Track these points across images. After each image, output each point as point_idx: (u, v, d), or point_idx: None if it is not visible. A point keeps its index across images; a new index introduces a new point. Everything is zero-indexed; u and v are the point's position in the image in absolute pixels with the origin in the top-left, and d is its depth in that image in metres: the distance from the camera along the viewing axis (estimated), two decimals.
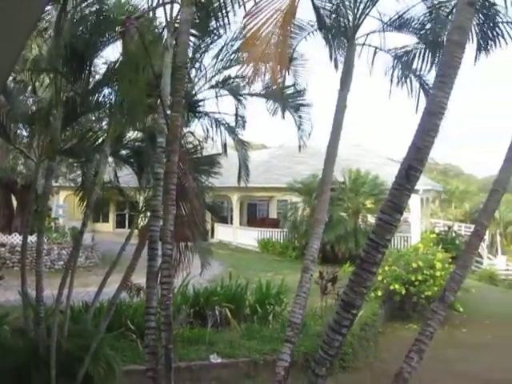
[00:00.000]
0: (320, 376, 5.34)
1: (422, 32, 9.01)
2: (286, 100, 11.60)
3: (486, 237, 43.62)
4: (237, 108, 12.54)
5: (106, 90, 9.98)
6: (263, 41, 5.37)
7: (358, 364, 12.97)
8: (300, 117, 11.90)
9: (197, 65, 11.04)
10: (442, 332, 16.66)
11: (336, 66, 9.39)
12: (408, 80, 9.61)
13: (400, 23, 8.99)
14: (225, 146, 13.17)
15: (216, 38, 10.34)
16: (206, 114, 12.29)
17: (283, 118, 11.86)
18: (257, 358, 11.66)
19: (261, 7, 5.54)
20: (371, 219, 27.39)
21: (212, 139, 12.72)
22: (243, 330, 13.13)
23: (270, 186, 31.68)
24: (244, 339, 12.57)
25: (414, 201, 29.55)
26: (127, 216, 37.83)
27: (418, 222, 30.10)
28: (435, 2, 8.75)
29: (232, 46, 10.95)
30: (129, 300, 13.07)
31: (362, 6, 8.67)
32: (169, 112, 7.32)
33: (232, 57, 11.22)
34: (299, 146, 12.33)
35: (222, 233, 35.33)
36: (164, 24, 8.39)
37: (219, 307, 13.37)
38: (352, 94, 8.68)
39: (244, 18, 5.67)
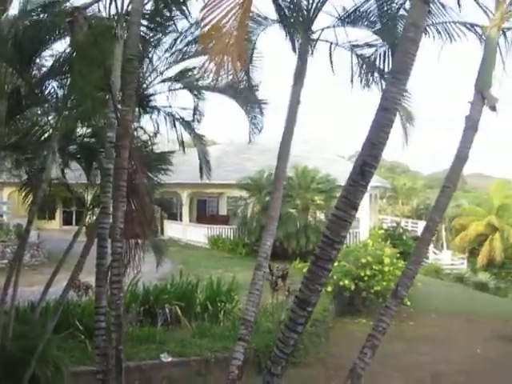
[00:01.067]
0: (276, 375, 5.29)
1: (376, 27, 9.02)
2: (243, 95, 11.47)
3: None
4: (195, 102, 12.37)
5: (55, 83, 9.65)
6: (225, 34, 5.27)
7: (310, 359, 13.04)
8: (253, 112, 11.80)
9: (149, 57, 10.82)
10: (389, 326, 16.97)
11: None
12: (364, 75, 9.65)
13: (355, 18, 8.98)
14: (182, 142, 13.03)
15: (168, 30, 10.13)
16: (158, 108, 12.06)
17: (242, 113, 11.76)
18: (208, 356, 11.60)
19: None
20: (321, 215, 27.60)
21: (167, 134, 12.52)
22: (194, 328, 13.04)
23: (220, 182, 31.48)
24: (195, 337, 12.49)
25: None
26: (75, 213, 36.96)
27: (366, 218, 30.49)
28: None
29: (185, 38, 10.78)
30: (77, 299, 12.75)
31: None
32: (119, 106, 7.14)
33: (186, 49, 11.04)
34: (249, 142, 12.25)
35: (172, 230, 34.94)
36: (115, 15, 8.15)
37: (169, 305, 13.21)
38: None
39: (202, 10, 5.52)
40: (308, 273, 5.17)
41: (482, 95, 6.94)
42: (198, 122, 12.79)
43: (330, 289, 17.39)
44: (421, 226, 42.76)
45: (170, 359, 11.30)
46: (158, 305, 13.29)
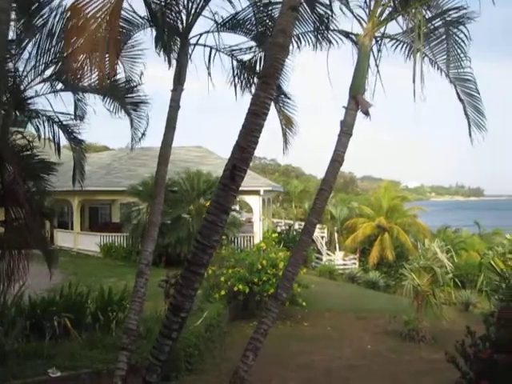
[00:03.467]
0: (151, 383, 5.13)
1: (254, 33, 9.11)
2: (122, 96, 11.16)
3: (325, 234, 45.90)
4: (75, 104, 11.92)
5: None
6: (91, 34, 5.08)
7: (205, 365, 12.96)
8: (135, 115, 11.50)
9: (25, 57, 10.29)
10: (284, 327, 17.23)
11: (170, 64, 9.22)
12: (245, 79, 9.70)
13: (233, 24, 9.02)
14: (58, 146, 12.49)
15: (40, 28, 9.69)
16: (37, 112, 11.54)
17: (118, 116, 11.40)
18: (100, 368, 11.19)
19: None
20: None
21: (50, 140, 11.97)
22: (84, 340, 12.56)
23: (112, 189, 30.79)
24: (86, 349, 12.01)
25: (255, 201, 30.29)
26: None
27: (260, 222, 30.80)
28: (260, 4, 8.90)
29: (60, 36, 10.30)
30: None
31: (194, 5, 8.61)
32: None
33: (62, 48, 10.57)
34: (131, 148, 11.98)
35: (62, 239, 33.65)
36: None
37: (58, 317, 12.65)
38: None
39: (67, 10, 5.30)
40: (181, 278, 5.08)
41: (356, 101, 7.15)
42: (77, 125, 12.33)
43: (224, 293, 17.40)
44: None
45: (58, 374, 10.79)
46: (46, 318, 12.70)
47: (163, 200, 8.57)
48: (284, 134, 10.59)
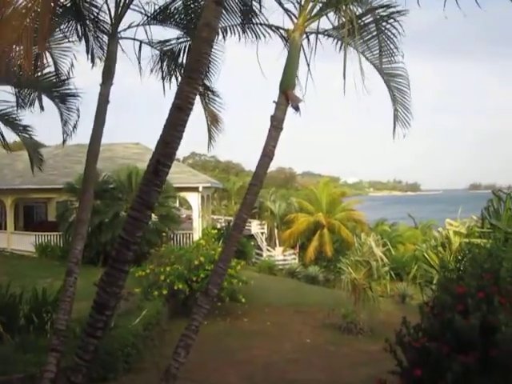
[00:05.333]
0: None
1: (185, 25, 8.98)
2: (47, 89, 10.79)
3: (265, 230, 46.14)
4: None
5: None
6: (16, 23, 4.90)
7: (144, 364, 12.82)
8: (64, 108, 11.14)
9: None
10: (224, 324, 17.22)
11: (93, 61, 9.04)
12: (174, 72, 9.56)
13: (163, 17, 8.88)
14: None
15: None
16: None
17: (42, 109, 11.02)
18: (33, 372, 10.86)
19: None
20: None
21: None
22: (18, 343, 12.19)
23: (47, 187, 29.95)
24: (19, 353, 11.66)
25: (194, 198, 30.12)
26: None
27: (199, 219, 30.65)
28: None
29: None
30: None
31: None
32: None
33: None
34: (62, 143, 11.64)
35: None
36: None
37: None
38: None
39: None
40: (105, 275, 4.95)
41: (286, 96, 7.17)
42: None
43: (164, 292, 17.26)
44: (254, 224, 44.08)
45: None
46: None
47: (92, 197, 8.36)
48: (209, 131, 10.53)
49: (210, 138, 10.59)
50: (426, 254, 16.12)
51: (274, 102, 7.28)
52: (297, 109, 7.31)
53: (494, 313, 6.10)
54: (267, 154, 6.97)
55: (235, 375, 12.40)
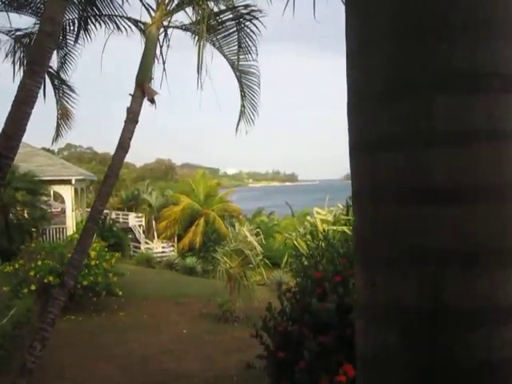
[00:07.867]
0: None
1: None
2: None
3: (143, 223, 45.71)
4: None
5: None
6: None
7: (13, 365, 12.38)
8: None
9: None
10: (100, 319, 16.98)
11: None
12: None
13: (20, 4, 8.61)
14: None
15: None
16: None
17: None
18: None
19: None
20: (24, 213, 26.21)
21: None
22: None
23: None
24: None
25: (67, 191, 29.21)
26: None
27: (72, 213, 29.84)
28: None
29: None
30: None
31: None
32: None
33: None
34: None
35: None
36: None
37: None
38: None
39: None
40: None
41: (142, 89, 7.31)
42: None
43: (33, 288, 16.70)
44: (131, 217, 43.57)
45: None
46: None
47: None
48: (58, 125, 10.37)
49: (58, 132, 10.39)
50: (295, 242, 16.68)
51: (130, 94, 7.39)
52: (152, 101, 7.48)
53: (349, 294, 6.60)
54: (123, 146, 7.08)
55: (112, 369, 12.31)
